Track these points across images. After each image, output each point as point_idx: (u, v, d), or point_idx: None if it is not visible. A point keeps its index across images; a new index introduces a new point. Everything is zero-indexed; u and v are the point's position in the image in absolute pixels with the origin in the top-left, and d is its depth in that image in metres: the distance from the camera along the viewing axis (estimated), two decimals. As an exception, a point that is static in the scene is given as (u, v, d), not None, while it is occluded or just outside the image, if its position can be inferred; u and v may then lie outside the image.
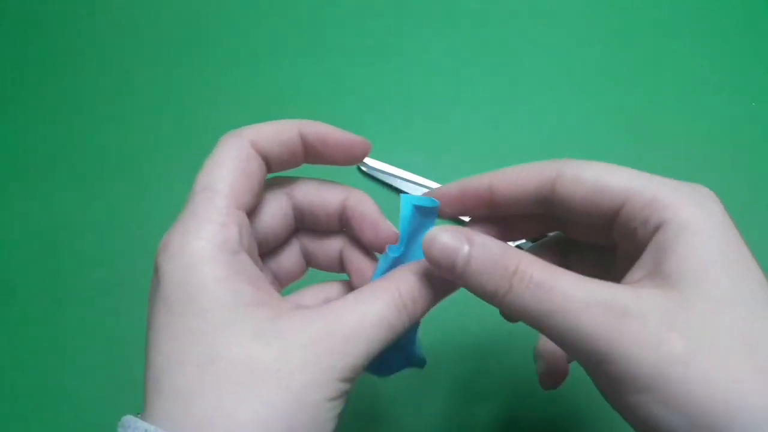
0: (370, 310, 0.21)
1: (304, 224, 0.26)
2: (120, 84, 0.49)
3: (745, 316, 0.19)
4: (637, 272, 0.21)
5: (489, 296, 0.21)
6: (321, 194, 0.25)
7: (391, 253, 0.24)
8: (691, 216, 0.21)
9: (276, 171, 0.24)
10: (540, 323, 0.20)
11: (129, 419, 0.18)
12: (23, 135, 0.47)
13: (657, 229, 0.21)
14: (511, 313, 0.21)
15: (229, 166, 0.22)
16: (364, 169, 0.44)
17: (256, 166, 0.23)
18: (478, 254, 0.21)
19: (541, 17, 0.51)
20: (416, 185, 0.43)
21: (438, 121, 0.47)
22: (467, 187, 0.25)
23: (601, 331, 0.19)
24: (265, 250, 0.25)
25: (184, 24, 0.51)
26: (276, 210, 0.25)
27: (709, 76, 0.48)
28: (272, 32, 0.51)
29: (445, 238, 0.21)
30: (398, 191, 0.43)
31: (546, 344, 0.29)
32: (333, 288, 0.27)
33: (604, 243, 0.25)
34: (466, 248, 0.21)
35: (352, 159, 0.25)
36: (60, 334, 0.40)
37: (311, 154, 0.24)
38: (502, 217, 0.27)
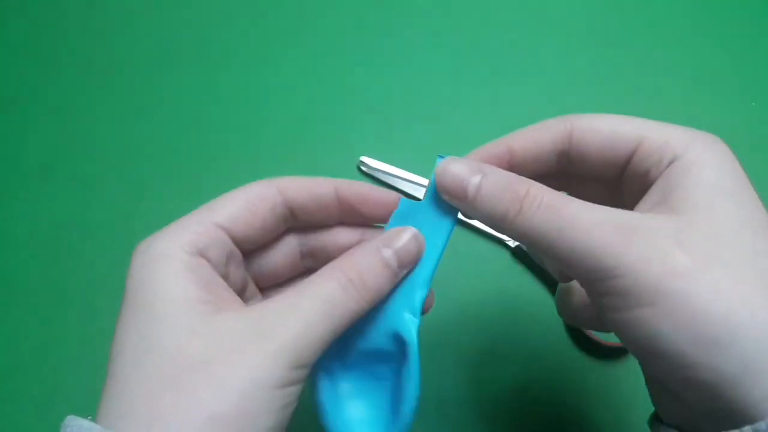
0: (308, 289, 0.21)
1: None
2: (120, 84, 0.49)
3: (750, 238, 0.20)
4: (645, 204, 0.22)
5: (499, 219, 0.21)
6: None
7: (402, 207, 0.25)
8: (701, 153, 0.22)
9: (308, 221, 0.26)
10: (548, 242, 0.20)
11: (71, 420, 0.19)
12: (23, 135, 0.47)
13: (669, 165, 0.22)
14: (519, 233, 0.21)
15: (238, 197, 0.23)
16: (363, 168, 0.44)
17: (268, 208, 0.24)
18: (490, 180, 0.22)
19: (541, 17, 0.51)
20: (416, 185, 0.43)
21: (438, 121, 0.47)
22: (486, 152, 0.25)
23: (609, 246, 0.19)
24: (253, 247, 0.25)
25: (184, 24, 0.51)
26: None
27: (709, 77, 0.48)
28: (272, 32, 0.51)
29: (456, 167, 0.22)
30: (397, 191, 0.43)
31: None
32: None
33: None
34: (477, 177, 0.22)
35: (384, 210, 0.26)
36: (60, 333, 0.40)
37: (347, 211, 0.25)
38: None
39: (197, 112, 0.47)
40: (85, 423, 0.18)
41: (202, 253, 0.22)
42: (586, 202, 0.21)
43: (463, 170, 0.22)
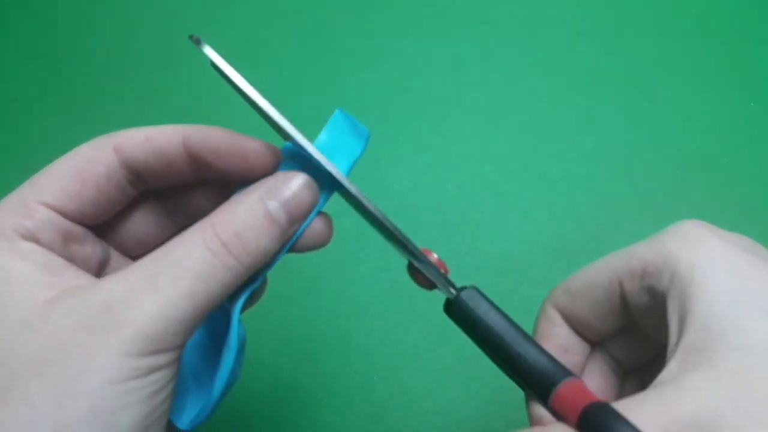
0: (168, 259, 0.17)
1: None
2: (120, 84, 0.49)
3: None
4: (671, 352, 0.18)
5: None
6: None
7: (289, 150, 0.20)
8: (690, 265, 0.18)
9: (155, 184, 0.21)
10: None
11: None
12: (24, 135, 0.47)
13: (664, 297, 0.19)
14: None
15: (63, 167, 0.19)
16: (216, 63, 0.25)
17: (102, 174, 0.19)
18: None
19: (541, 18, 0.51)
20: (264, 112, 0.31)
21: (438, 121, 0.47)
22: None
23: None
24: (101, 220, 0.21)
25: (185, 24, 0.51)
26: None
27: (708, 77, 0.48)
28: (272, 32, 0.51)
29: None
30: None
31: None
32: None
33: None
34: None
35: (253, 171, 0.20)
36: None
37: (201, 167, 0.20)
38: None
39: (198, 112, 0.47)
40: None
41: (30, 238, 0.18)
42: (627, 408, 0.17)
43: None
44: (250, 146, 0.20)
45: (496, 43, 0.50)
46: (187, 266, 0.17)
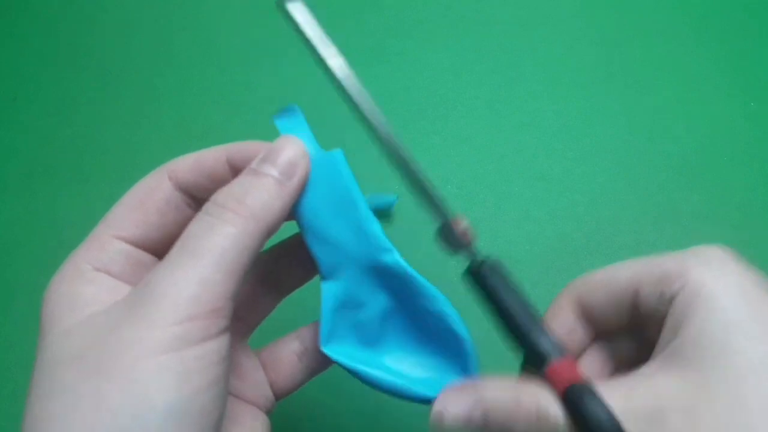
0: (183, 236, 0.19)
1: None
2: (121, 83, 0.49)
3: None
4: (657, 352, 0.20)
5: None
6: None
7: None
8: (703, 280, 0.19)
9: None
10: None
11: None
12: (23, 135, 0.47)
13: (672, 302, 0.19)
14: None
15: (127, 200, 0.22)
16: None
17: (161, 200, 0.22)
18: (494, 412, 0.19)
19: (541, 18, 0.51)
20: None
21: (438, 121, 0.47)
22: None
23: None
24: (168, 243, 0.22)
25: (185, 24, 0.51)
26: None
27: (708, 77, 0.48)
28: (272, 32, 0.51)
29: (452, 411, 0.20)
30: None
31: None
32: None
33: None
34: (478, 414, 0.19)
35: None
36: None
37: None
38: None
39: (198, 112, 0.47)
40: None
41: (103, 270, 0.20)
42: (615, 385, 0.19)
43: (462, 411, 0.20)
44: (284, 146, 0.22)
45: (496, 44, 0.50)
46: (194, 236, 0.19)
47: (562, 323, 0.23)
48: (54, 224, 0.43)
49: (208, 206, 0.20)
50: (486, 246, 0.41)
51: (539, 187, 0.44)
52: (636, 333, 0.23)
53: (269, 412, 0.25)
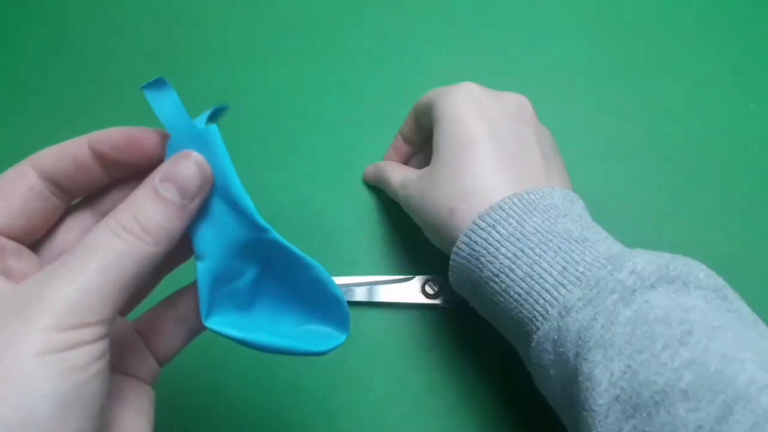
0: (80, 246, 0.19)
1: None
2: (121, 83, 0.49)
3: (446, 166, 0.32)
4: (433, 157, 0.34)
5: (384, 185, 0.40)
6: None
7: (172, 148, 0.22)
8: (440, 109, 0.34)
9: (77, 191, 0.23)
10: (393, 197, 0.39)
11: None
12: (23, 135, 0.47)
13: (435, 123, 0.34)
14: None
15: None
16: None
17: (24, 189, 0.22)
18: (378, 171, 0.41)
19: (541, 18, 0.51)
20: None
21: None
22: (397, 148, 0.43)
23: (403, 196, 0.36)
24: (35, 235, 0.23)
25: (185, 24, 0.51)
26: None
27: (708, 77, 0.48)
28: (272, 33, 0.51)
29: (368, 172, 0.43)
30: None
31: None
32: None
33: None
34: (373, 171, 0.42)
35: (145, 155, 0.23)
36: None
37: (109, 165, 0.23)
38: None
39: (198, 112, 0.47)
40: None
41: None
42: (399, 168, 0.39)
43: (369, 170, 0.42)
44: (140, 134, 0.23)
45: (496, 44, 0.50)
46: (94, 248, 0.19)
47: (410, 128, 0.40)
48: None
49: (108, 219, 0.20)
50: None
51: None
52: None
53: (154, 383, 0.25)
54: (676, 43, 0.50)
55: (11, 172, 0.22)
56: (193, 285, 0.25)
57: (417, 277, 0.40)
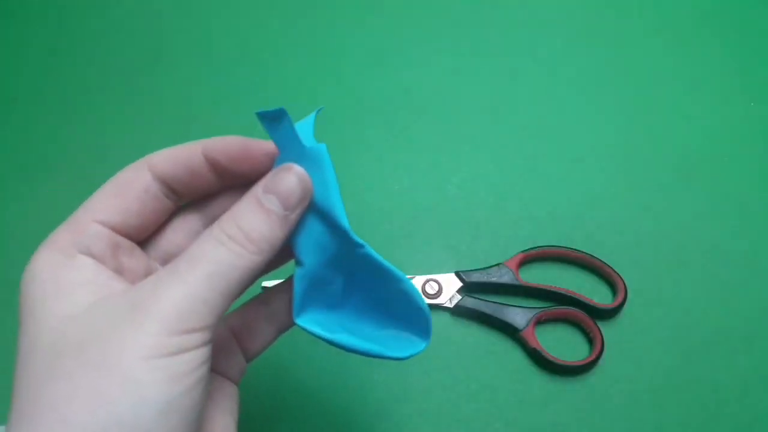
0: (187, 254, 0.20)
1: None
2: (121, 83, 0.49)
3: None
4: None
5: None
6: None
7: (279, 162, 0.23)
8: None
9: (188, 195, 0.24)
10: None
11: None
12: (24, 135, 0.47)
13: None
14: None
15: (107, 188, 0.23)
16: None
17: (140, 189, 0.23)
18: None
19: (541, 18, 0.51)
20: None
21: (438, 121, 0.47)
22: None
23: None
24: (145, 233, 0.24)
25: (185, 24, 0.51)
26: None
27: (708, 77, 0.48)
28: (272, 33, 0.51)
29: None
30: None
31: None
32: None
33: None
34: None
35: (261, 167, 0.23)
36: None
37: (222, 173, 0.23)
38: None
39: (198, 112, 0.47)
40: None
41: (84, 252, 0.21)
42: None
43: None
44: (254, 146, 0.23)
45: (496, 44, 0.50)
46: (202, 254, 0.20)
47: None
48: (54, 224, 0.43)
49: (213, 228, 0.21)
50: (486, 246, 0.42)
51: (539, 187, 0.44)
52: None
53: (240, 381, 0.26)
54: (676, 43, 0.50)
55: (128, 173, 0.23)
56: (285, 283, 0.25)
57: (417, 277, 0.40)
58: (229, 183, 0.24)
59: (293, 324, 0.25)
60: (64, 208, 0.44)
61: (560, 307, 0.38)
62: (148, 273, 0.24)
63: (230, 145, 0.23)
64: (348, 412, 0.37)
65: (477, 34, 0.50)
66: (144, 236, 0.24)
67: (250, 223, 0.20)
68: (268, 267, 0.26)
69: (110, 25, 0.51)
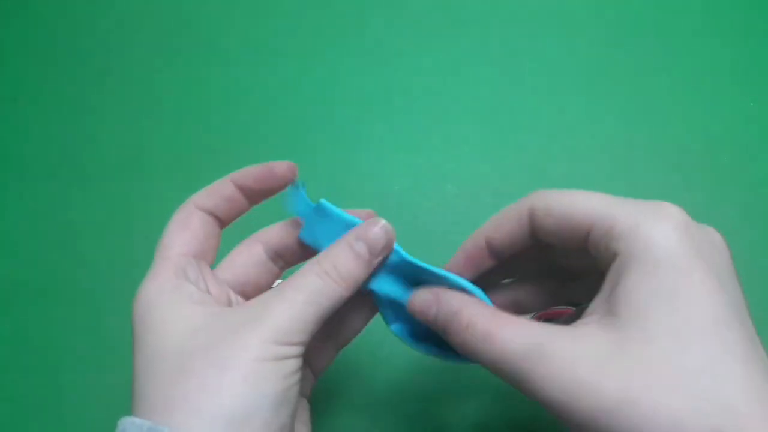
0: (292, 281, 0.24)
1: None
2: (121, 83, 0.49)
3: (680, 351, 0.19)
4: (594, 304, 0.22)
5: (460, 349, 0.24)
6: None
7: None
8: (643, 244, 0.21)
9: (229, 219, 0.29)
10: (494, 371, 0.22)
11: (124, 420, 0.22)
12: (24, 135, 0.47)
13: (613, 258, 0.21)
14: (470, 357, 0.23)
15: (174, 227, 0.27)
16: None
17: (197, 221, 0.27)
18: (442, 313, 0.25)
19: (541, 18, 0.51)
20: None
21: (438, 121, 0.47)
22: (468, 249, 0.27)
23: (539, 379, 0.20)
24: (209, 259, 0.29)
25: (185, 24, 0.51)
26: (247, 256, 0.29)
27: (708, 76, 0.48)
28: (272, 33, 0.51)
29: (418, 300, 0.26)
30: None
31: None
32: None
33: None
34: (434, 309, 0.25)
35: (279, 180, 0.28)
36: (61, 333, 0.40)
37: (250, 194, 0.28)
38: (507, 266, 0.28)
39: (198, 112, 0.47)
40: (137, 420, 0.21)
41: (184, 278, 0.25)
42: (520, 324, 0.21)
43: (424, 302, 0.26)
44: (273, 164, 0.28)
45: (496, 43, 0.50)
46: (304, 284, 0.24)
47: (506, 230, 0.26)
48: (54, 224, 0.43)
49: (314, 264, 0.25)
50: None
51: (539, 187, 0.43)
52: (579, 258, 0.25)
53: (310, 397, 0.30)
54: (676, 42, 0.50)
55: (182, 213, 0.28)
56: (347, 308, 0.28)
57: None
58: (256, 201, 0.29)
59: (349, 340, 0.30)
60: (65, 208, 0.45)
61: (559, 307, 0.38)
62: (227, 299, 0.28)
63: (252, 168, 0.28)
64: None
65: (477, 34, 0.50)
66: (210, 261, 0.28)
67: (344, 264, 0.25)
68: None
69: (111, 25, 0.51)
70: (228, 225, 0.29)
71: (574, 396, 0.19)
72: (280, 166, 0.28)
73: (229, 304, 0.28)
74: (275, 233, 0.30)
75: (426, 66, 0.49)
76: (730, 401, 0.18)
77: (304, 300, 0.24)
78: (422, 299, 0.26)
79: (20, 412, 0.38)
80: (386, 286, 0.28)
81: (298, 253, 0.30)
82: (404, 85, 0.48)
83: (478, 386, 0.38)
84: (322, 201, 0.27)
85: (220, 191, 0.28)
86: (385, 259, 0.27)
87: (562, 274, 0.28)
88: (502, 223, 0.26)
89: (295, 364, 0.23)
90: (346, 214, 0.27)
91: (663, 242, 0.20)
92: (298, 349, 0.23)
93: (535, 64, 0.49)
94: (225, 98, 0.48)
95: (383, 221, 0.26)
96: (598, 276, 0.23)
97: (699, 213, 0.43)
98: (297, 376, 0.23)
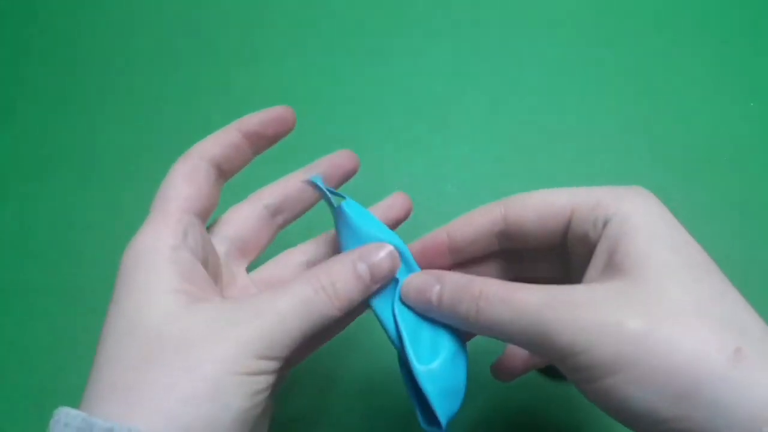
0: (285, 289, 0.23)
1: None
2: (121, 84, 0.49)
3: (691, 283, 0.21)
4: (592, 271, 0.23)
5: (463, 319, 0.24)
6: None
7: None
8: (632, 209, 0.23)
9: (233, 169, 0.28)
10: (509, 331, 0.22)
11: (60, 410, 0.20)
12: (24, 135, 0.47)
13: (605, 226, 0.23)
14: (482, 329, 0.23)
15: (177, 178, 0.25)
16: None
17: (203, 174, 0.26)
18: (447, 287, 0.24)
19: (540, 18, 0.51)
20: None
21: (438, 121, 0.47)
22: (426, 242, 0.28)
23: (560, 325, 0.21)
24: (254, 250, 0.28)
25: (184, 24, 0.51)
26: (248, 211, 0.28)
27: (708, 76, 0.48)
28: (272, 33, 0.51)
29: (416, 281, 0.25)
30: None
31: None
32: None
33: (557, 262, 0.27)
34: (437, 287, 0.24)
35: (281, 122, 0.28)
36: (61, 333, 0.40)
37: (256, 141, 0.28)
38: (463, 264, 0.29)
39: (197, 112, 0.47)
40: (72, 411, 0.20)
41: (180, 245, 0.23)
42: (533, 286, 0.22)
43: (424, 282, 0.25)
44: (271, 108, 0.28)
45: (496, 43, 0.50)
46: (298, 295, 0.23)
47: (474, 227, 0.27)
48: (54, 224, 0.43)
49: (311, 278, 0.24)
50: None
51: (539, 187, 0.44)
52: (557, 255, 0.26)
53: (277, 392, 0.28)
54: (675, 42, 0.50)
55: (187, 163, 0.26)
56: None
57: (417, 277, 0.40)
58: (259, 150, 0.28)
59: (325, 343, 0.29)
60: (64, 208, 0.45)
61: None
62: (218, 266, 0.27)
63: (257, 115, 0.27)
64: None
65: (477, 34, 0.50)
66: (207, 219, 0.27)
67: (342, 284, 0.24)
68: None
69: (111, 25, 0.51)
70: (229, 179, 0.28)
71: (598, 336, 0.20)
72: (278, 108, 0.28)
73: (220, 276, 0.27)
74: (275, 188, 0.29)
75: (426, 66, 0.49)
76: (746, 325, 0.20)
77: (294, 311, 0.22)
78: (421, 279, 0.25)
79: (20, 412, 0.38)
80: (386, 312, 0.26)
81: (300, 205, 0.30)
82: (404, 85, 0.48)
83: (478, 386, 0.38)
84: (342, 205, 0.26)
85: (223, 138, 0.27)
86: (385, 285, 0.26)
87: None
88: (471, 220, 0.27)
89: (267, 381, 0.22)
90: (367, 220, 0.26)
91: (647, 207, 0.23)
92: (274, 365, 0.22)
93: (534, 64, 0.49)
94: (225, 98, 0.48)
95: (391, 247, 0.25)
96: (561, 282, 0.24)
97: (699, 213, 0.43)
98: (266, 395, 0.22)
